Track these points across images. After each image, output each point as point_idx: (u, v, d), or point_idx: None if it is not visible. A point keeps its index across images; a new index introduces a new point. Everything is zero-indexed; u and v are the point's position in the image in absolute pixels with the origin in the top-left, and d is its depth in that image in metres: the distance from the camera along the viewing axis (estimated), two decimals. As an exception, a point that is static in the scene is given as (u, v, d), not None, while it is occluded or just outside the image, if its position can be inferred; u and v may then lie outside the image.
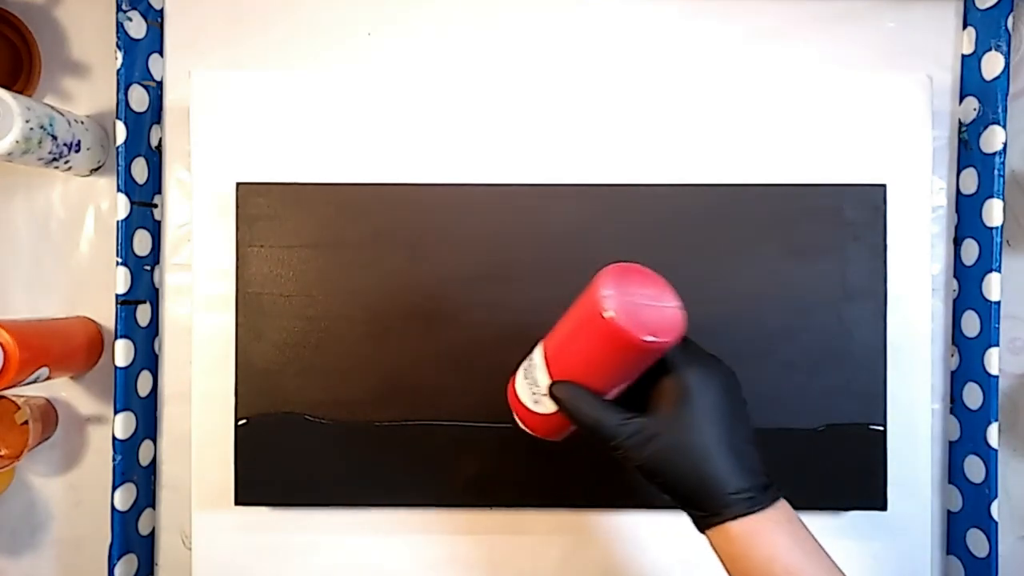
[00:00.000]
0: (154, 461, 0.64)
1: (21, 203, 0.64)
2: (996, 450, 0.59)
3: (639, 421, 0.43)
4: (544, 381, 0.45)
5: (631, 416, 0.43)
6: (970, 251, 0.62)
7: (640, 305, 0.41)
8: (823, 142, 0.60)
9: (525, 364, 0.48)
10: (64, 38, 0.64)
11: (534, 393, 0.46)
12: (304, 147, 0.60)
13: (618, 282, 0.42)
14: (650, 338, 0.40)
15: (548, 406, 0.45)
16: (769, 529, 0.42)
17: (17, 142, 0.53)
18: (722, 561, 0.44)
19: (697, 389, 0.43)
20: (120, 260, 0.59)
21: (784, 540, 0.42)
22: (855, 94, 0.60)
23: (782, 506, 0.43)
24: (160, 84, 0.63)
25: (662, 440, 0.43)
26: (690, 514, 0.44)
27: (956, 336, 0.63)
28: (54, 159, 0.57)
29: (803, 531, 0.43)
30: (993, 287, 0.59)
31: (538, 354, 0.46)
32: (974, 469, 0.61)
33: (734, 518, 0.42)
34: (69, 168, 0.60)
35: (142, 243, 0.62)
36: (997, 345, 0.59)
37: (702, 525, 0.44)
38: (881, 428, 0.58)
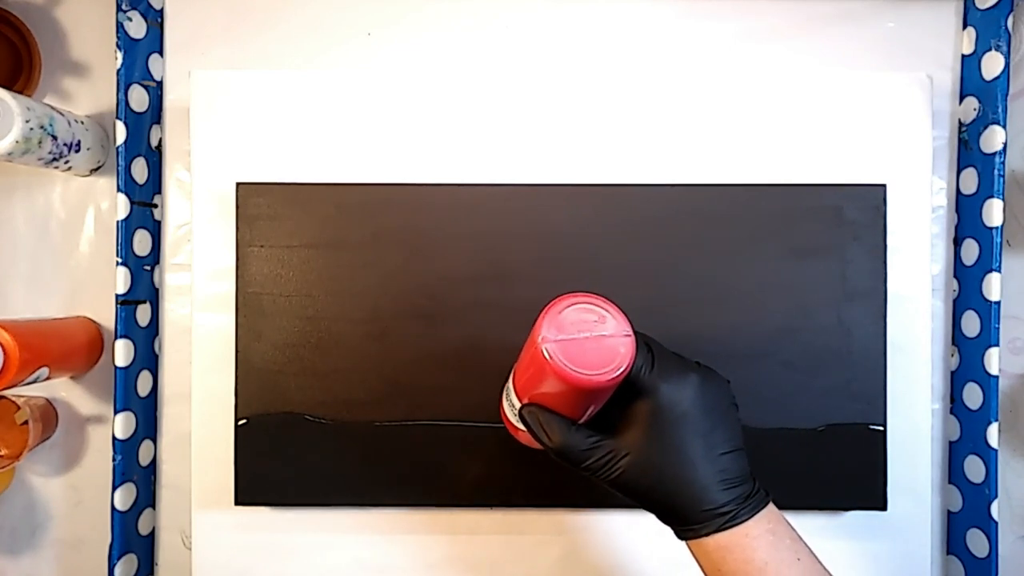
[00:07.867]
0: (154, 461, 0.64)
1: (21, 203, 0.64)
2: (996, 450, 0.59)
3: (607, 444, 0.43)
4: (517, 404, 0.45)
5: (599, 439, 0.43)
6: (970, 251, 0.62)
7: (581, 341, 0.40)
8: (823, 142, 0.60)
9: (505, 385, 0.48)
10: (64, 38, 0.64)
11: (513, 413, 0.46)
12: (304, 147, 0.61)
13: (557, 321, 0.40)
14: (594, 375, 0.39)
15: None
16: (744, 544, 0.42)
17: (17, 142, 0.53)
18: (702, 569, 0.44)
19: (665, 407, 0.42)
20: (120, 260, 0.59)
21: (761, 554, 0.41)
22: (855, 94, 0.60)
23: (765, 516, 0.42)
24: (160, 84, 0.63)
25: (630, 461, 0.42)
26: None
27: (956, 336, 0.63)
28: (54, 159, 0.57)
29: (786, 540, 0.42)
30: (993, 287, 0.59)
31: (511, 378, 0.46)
32: (974, 469, 0.61)
33: (707, 534, 0.42)
34: (69, 168, 0.60)
35: (142, 243, 0.62)
36: (997, 345, 0.59)
37: (679, 536, 0.44)
38: (881, 428, 0.58)
